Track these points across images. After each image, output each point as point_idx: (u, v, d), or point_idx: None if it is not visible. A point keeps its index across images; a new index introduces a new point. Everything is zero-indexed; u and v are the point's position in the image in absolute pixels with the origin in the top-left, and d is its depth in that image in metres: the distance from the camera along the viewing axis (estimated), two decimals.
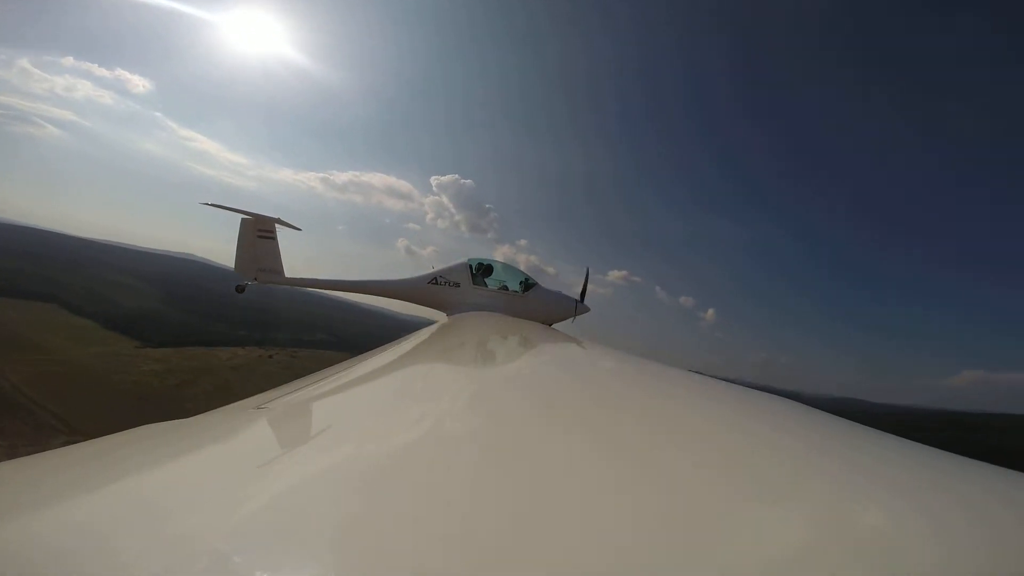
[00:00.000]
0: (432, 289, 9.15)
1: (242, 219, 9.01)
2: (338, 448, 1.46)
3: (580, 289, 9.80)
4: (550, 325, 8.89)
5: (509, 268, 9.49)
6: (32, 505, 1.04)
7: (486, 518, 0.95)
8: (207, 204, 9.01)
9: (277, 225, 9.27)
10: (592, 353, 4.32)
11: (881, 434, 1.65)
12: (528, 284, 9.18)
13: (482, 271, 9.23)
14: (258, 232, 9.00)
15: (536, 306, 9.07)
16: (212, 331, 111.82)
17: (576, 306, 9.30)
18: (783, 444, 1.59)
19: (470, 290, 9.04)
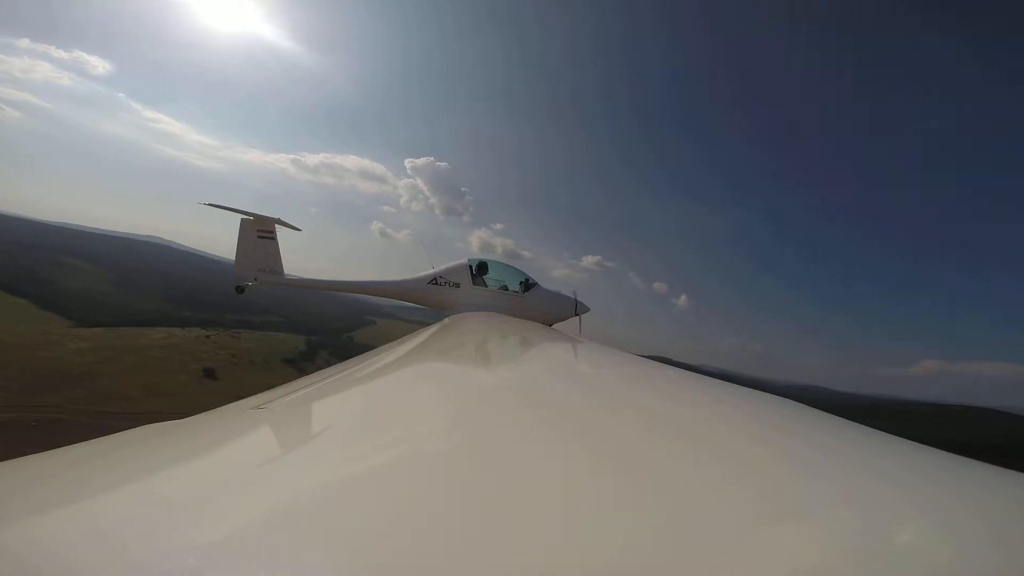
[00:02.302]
0: (432, 289, 9.01)
1: (242, 219, 8.76)
2: (338, 448, 1.46)
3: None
4: (550, 325, 8.85)
5: (509, 268, 9.41)
6: (31, 506, 1.03)
7: (487, 519, 0.94)
8: (208, 204, 8.81)
9: (276, 225, 9.09)
10: (593, 353, 4.29)
11: (894, 438, 1.66)
12: (528, 284, 9.14)
13: (482, 271, 9.10)
14: (258, 232, 8.80)
15: (536, 306, 9.01)
16: (156, 312, 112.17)
17: (576, 306, 9.30)
18: (792, 447, 1.57)
19: (470, 290, 8.93)
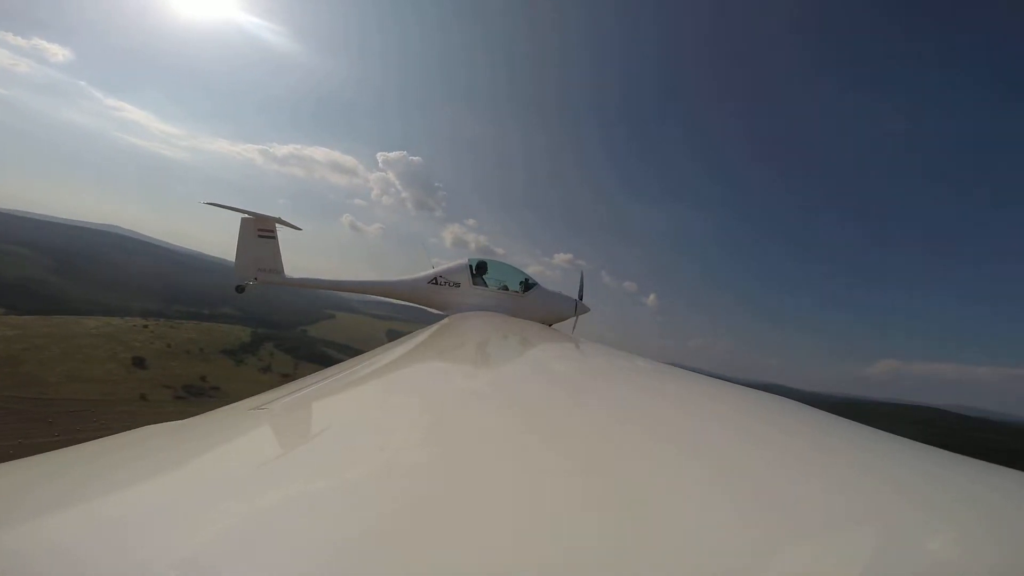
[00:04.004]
0: (432, 289, 8.97)
1: (242, 219, 8.70)
2: (338, 448, 1.44)
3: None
4: (550, 325, 8.85)
5: (509, 268, 9.38)
6: (33, 506, 1.03)
7: (487, 519, 0.94)
8: (210, 204, 8.73)
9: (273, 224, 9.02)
10: (593, 353, 4.28)
11: (900, 439, 1.63)
12: (528, 284, 9.13)
13: (482, 271, 9.05)
14: (258, 232, 8.74)
15: (536, 306, 8.98)
16: (98, 301, 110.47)
17: (576, 306, 9.29)
18: (793, 447, 1.56)
19: (470, 290, 8.91)
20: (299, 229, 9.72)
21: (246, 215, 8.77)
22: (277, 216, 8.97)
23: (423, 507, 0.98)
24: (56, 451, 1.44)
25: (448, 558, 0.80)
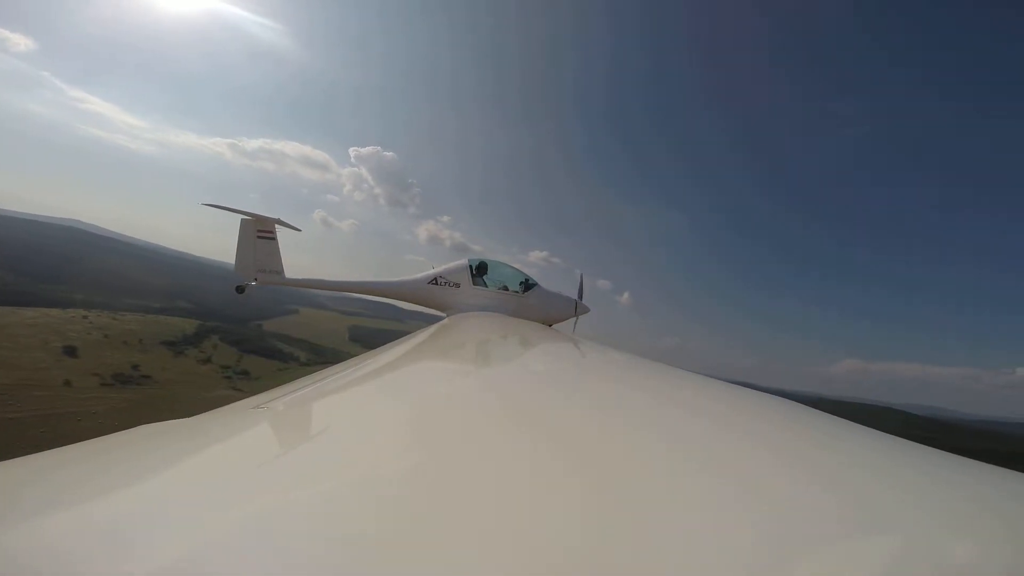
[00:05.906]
0: (432, 289, 9.03)
1: (242, 219, 8.76)
2: (338, 448, 1.43)
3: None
4: (550, 325, 8.92)
5: (509, 268, 9.44)
6: (31, 506, 1.01)
7: (487, 520, 0.93)
8: (208, 205, 8.88)
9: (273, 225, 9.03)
10: (593, 353, 4.29)
11: (902, 441, 1.63)
12: (528, 284, 9.16)
13: (482, 271, 9.12)
14: (258, 232, 8.77)
15: (536, 306, 9.03)
16: (40, 293, 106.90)
17: (576, 306, 9.33)
18: (801, 447, 1.57)
19: (470, 290, 8.95)
20: (298, 230, 9.79)
21: (245, 216, 8.82)
22: (276, 217, 9.04)
23: (424, 507, 0.97)
24: (54, 450, 1.42)
25: (449, 558, 0.80)
